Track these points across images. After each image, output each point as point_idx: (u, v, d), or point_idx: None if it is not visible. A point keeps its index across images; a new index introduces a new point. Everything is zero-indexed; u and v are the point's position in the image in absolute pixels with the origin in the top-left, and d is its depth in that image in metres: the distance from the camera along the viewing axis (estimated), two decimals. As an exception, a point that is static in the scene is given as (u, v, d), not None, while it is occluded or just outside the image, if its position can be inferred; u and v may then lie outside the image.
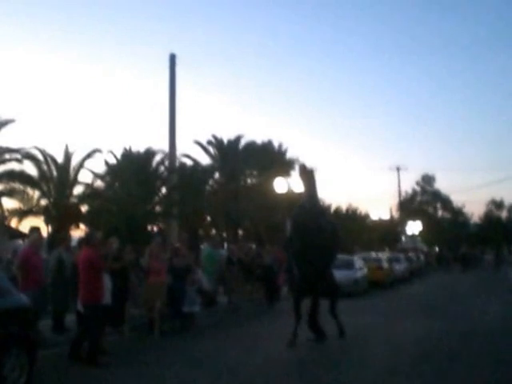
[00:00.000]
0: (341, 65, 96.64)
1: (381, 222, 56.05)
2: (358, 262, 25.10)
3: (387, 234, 54.31)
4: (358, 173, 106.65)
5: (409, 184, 72.91)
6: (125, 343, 11.58)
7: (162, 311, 12.57)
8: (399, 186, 58.42)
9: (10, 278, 10.30)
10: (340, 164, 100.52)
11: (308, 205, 11.66)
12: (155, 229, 27.76)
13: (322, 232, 11.34)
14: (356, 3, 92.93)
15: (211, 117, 76.68)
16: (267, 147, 40.75)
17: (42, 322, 11.25)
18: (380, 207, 59.03)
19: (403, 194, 63.40)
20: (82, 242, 10.75)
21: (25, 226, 22.34)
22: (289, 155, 41.45)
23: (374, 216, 56.17)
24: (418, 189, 70.03)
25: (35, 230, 11.32)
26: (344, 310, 17.55)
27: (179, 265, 13.72)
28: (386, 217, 57.61)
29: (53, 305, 11.84)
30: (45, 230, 20.79)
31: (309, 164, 13.03)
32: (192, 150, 34.55)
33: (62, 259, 11.93)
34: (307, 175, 11.75)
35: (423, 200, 69.48)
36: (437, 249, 65.71)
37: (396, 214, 59.74)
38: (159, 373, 8.99)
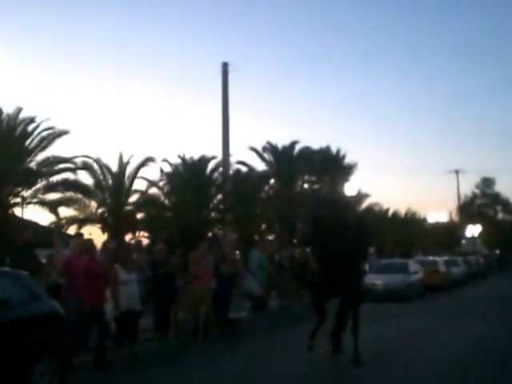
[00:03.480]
0: (397, 68, 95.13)
1: (440, 226, 55.10)
2: (412, 265, 24.83)
3: (447, 237, 53.30)
4: (415, 176, 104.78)
5: (468, 187, 71.69)
6: (170, 348, 11.74)
7: (206, 317, 12.68)
8: (458, 189, 57.40)
9: (51, 285, 10.59)
10: (396, 167, 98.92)
11: (329, 196, 10.23)
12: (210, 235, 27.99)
13: (347, 227, 9.75)
14: (395, 9, 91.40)
15: (266, 123, 76.86)
16: (325, 152, 40.53)
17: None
18: (439, 211, 58.06)
19: (462, 197, 62.25)
20: (82, 250, 10.97)
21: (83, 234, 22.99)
22: (347, 160, 41.09)
23: (433, 219, 55.22)
24: (477, 192, 68.96)
25: (78, 235, 11.56)
26: (397, 313, 17.48)
27: (226, 270, 13.79)
28: (445, 220, 56.60)
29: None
30: (102, 238, 21.25)
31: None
32: (246, 157, 34.76)
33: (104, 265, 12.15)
34: (330, 165, 11.06)
35: (483, 203, 68.25)
36: (497, 252, 64.18)
37: (455, 218, 58.66)
38: (203, 378, 9.03)
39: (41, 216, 28.58)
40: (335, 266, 9.49)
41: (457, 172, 55.54)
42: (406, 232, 48.39)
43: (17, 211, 19.64)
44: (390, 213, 49.36)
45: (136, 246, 15.62)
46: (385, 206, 48.78)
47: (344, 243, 9.55)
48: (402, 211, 53.12)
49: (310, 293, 11.12)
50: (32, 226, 21.81)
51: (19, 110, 18.70)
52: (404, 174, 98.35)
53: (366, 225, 11.37)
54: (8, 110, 18.71)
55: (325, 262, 9.66)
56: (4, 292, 8.21)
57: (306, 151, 37.41)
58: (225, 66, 27.69)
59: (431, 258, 32.11)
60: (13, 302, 7.98)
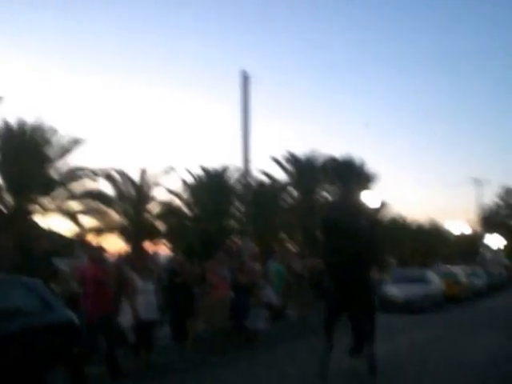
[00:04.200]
0: (415, 79, 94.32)
1: (461, 237, 54.57)
2: (431, 275, 24.59)
3: (467, 247, 52.75)
4: (436, 186, 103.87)
5: (490, 198, 70.74)
6: (187, 358, 11.70)
7: (224, 327, 12.63)
8: (480, 200, 56.76)
9: (70, 294, 10.66)
10: (418, 177, 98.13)
11: (341, 203, 9.73)
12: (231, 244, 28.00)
13: (359, 235, 9.16)
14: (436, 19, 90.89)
15: (286, 133, 76.68)
16: (346, 162, 40.52)
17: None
18: (460, 221, 57.46)
19: (484, 207, 61.47)
20: (91, 258, 11.04)
21: (104, 243, 23.13)
22: (368, 169, 41.04)
23: (454, 230, 54.73)
24: (500, 202, 68.18)
25: (97, 245, 11.64)
26: (415, 324, 17.27)
27: (243, 280, 13.73)
28: (467, 231, 56.04)
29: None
30: (122, 247, 21.38)
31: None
32: (267, 167, 34.73)
33: (122, 275, 12.15)
34: (341, 170, 10.63)
35: (506, 214, 67.46)
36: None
37: (477, 228, 58.01)
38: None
39: (63, 225, 28.83)
40: (347, 273, 8.98)
41: (478, 182, 54.97)
42: (427, 242, 48.01)
43: (41, 221, 19.85)
44: (411, 223, 48.91)
45: (152, 256, 15.66)
46: (405, 216, 48.44)
47: (356, 248, 8.99)
48: (423, 221, 52.71)
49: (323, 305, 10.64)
50: (53, 235, 22.05)
51: (40, 119, 18.94)
52: (425, 184, 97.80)
53: (376, 227, 11.00)
54: (30, 119, 18.93)
55: (336, 270, 9.19)
56: (18, 301, 8.29)
57: (327, 161, 37.42)
58: (244, 74, 27.64)
59: (451, 268, 31.75)
60: (26, 310, 8.12)
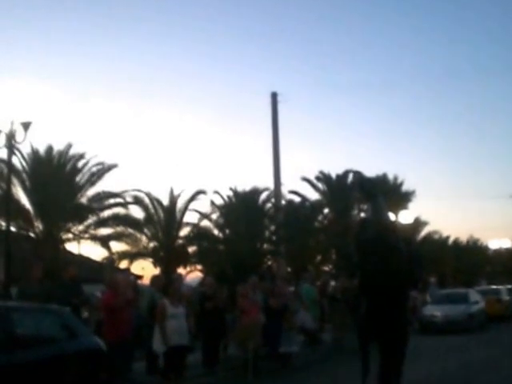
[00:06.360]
0: (450, 90, 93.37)
1: (503, 252, 53.32)
2: (473, 295, 23.88)
3: (511, 264, 51.45)
4: (476, 202, 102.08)
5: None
6: (218, 384, 11.43)
7: (256, 352, 12.27)
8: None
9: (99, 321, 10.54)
10: (457, 193, 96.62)
11: (375, 219, 8.73)
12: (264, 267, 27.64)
13: (395, 253, 8.29)
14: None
15: (317, 152, 76.17)
16: (381, 180, 39.93)
17: (136, 365, 11.42)
18: (501, 237, 56.14)
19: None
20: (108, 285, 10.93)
21: (135, 268, 23.06)
22: (405, 187, 40.34)
23: (496, 246, 53.53)
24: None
25: (125, 270, 11.51)
26: (458, 346, 16.66)
27: (275, 304, 13.41)
28: (508, 246, 54.74)
29: (147, 346, 11.85)
30: (153, 272, 21.23)
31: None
32: (298, 187, 34.42)
33: (154, 299, 11.97)
34: (367, 185, 9.10)
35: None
36: None
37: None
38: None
39: (94, 251, 28.92)
40: (383, 296, 8.10)
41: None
42: (469, 260, 46.85)
43: (72, 247, 19.88)
44: (451, 240, 47.90)
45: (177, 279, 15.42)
46: (445, 234, 47.39)
47: (394, 268, 8.12)
48: (464, 238, 51.58)
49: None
50: (85, 261, 22.07)
51: (69, 146, 19.00)
52: (464, 201, 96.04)
53: (417, 250, 10.20)
54: (58, 146, 19.00)
55: (372, 294, 8.27)
56: (46, 329, 8.59)
57: (354, 177, 36.87)
58: (274, 96, 27.67)
59: (494, 286, 30.87)
60: (54, 338, 8.34)
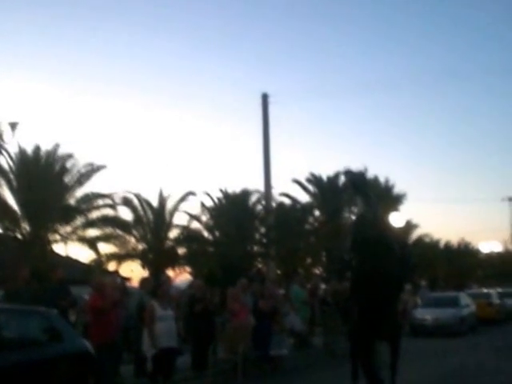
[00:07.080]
0: (444, 95, 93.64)
1: (494, 256, 53.39)
2: (463, 298, 23.93)
3: (502, 268, 51.49)
4: (467, 205, 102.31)
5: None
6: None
7: (245, 355, 12.12)
8: (513, 218, 55.45)
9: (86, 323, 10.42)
10: (447, 197, 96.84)
11: (370, 215, 8.57)
12: (254, 270, 27.47)
13: (390, 253, 8.23)
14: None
15: (308, 154, 76.21)
16: (372, 183, 39.83)
17: (124, 368, 11.26)
18: (492, 240, 56.24)
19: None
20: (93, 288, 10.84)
21: (123, 270, 22.77)
22: (396, 190, 40.28)
23: (487, 250, 53.63)
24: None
25: (114, 273, 11.37)
26: (448, 349, 16.59)
27: (264, 307, 13.30)
28: (499, 250, 54.87)
29: (135, 349, 11.69)
30: (142, 274, 21.02)
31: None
32: (289, 189, 34.25)
33: (142, 303, 11.81)
34: (358, 180, 9.13)
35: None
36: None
37: (510, 247, 56.75)
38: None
39: (82, 253, 28.63)
40: (377, 294, 8.06)
41: (510, 200, 53.89)
42: (460, 263, 46.86)
43: (59, 248, 19.61)
44: (442, 244, 47.88)
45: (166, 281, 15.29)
46: (436, 237, 47.37)
47: (386, 268, 8.10)
48: (455, 242, 51.62)
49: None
50: (72, 263, 21.78)
51: (57, 146, 18.70)
52: (455, 204, 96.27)
53: (409, 251, 10.23)
54: (46, 146, 18.73)
55: (366, 294, 8.23)
56: (33, 331, 8.55)
57: (344, 174, 36.75)
58: (265, 97, 27.50)
59: (484, 290, 30.88)
60: (41, 341, 8.33)
